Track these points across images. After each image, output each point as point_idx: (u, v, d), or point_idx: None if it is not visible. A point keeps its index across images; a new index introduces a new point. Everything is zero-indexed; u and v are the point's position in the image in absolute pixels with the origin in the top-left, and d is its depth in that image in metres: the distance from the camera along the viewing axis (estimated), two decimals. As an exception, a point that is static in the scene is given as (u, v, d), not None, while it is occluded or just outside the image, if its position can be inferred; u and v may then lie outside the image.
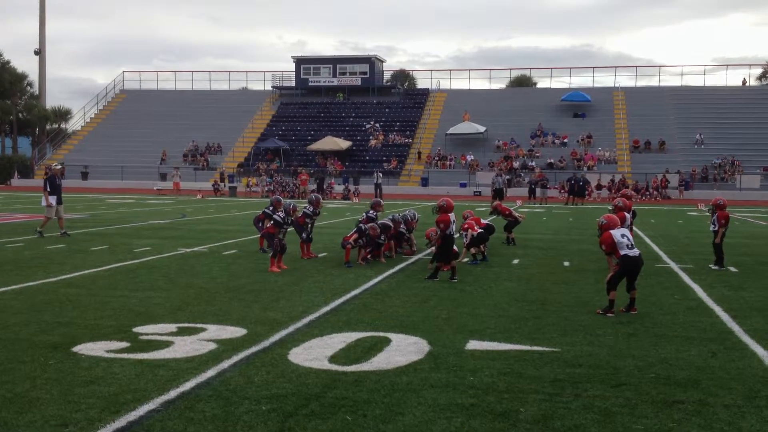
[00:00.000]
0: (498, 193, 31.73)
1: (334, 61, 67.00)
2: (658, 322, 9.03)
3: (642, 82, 66.49)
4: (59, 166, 21.51)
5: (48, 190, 18.85)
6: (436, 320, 8.90)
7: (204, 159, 58.78)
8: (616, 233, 9.55)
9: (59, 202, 18.92)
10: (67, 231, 18.67)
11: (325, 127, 61.16)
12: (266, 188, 47.61)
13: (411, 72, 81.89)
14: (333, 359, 7.01)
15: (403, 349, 7.41)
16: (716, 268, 13.78)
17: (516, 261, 14.70)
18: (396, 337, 7.92)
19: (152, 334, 7.94)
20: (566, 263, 14.57)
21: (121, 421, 5.25)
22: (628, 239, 9.55)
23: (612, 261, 10.04)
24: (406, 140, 59.02)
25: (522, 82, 78.85)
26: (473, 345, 7.67)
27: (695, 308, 9.98)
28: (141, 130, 62.87)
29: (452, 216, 12.10)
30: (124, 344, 7.46)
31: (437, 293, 10.86)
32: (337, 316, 9.11)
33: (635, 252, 9.49)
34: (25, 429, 5.08)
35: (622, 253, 9.41)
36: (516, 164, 53.77)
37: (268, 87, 68.76)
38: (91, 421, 5.25)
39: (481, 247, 14.54)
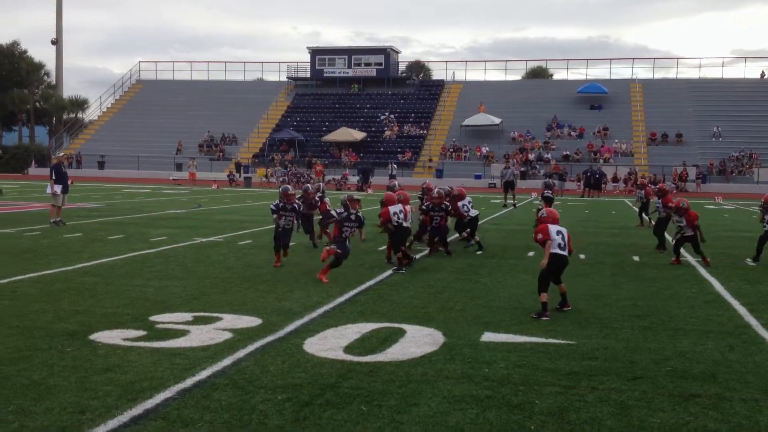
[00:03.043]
0: (509, 186, 31.61)
1: (349, 52, 66.91)
2: (674, 315, 8.98)
3: (659, 74, 65.94)
4: (62, 154, 21.60)
5: (54, 178, 18.75)
6: (451, 312, 8.89)
7: (219, 149, 58.97)
8: (553, 229, 9.16)
9: (65, 190, 18.82)
10: (64, 221, 18.57)
11: (339, 118, 61.15)
12: (281, 179, 47.71)
13: (426, 63, 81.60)
14: (348, 350, 7.02)
15: (418, 341, 7.41)
16: (751, 261, 13.64)
17: (531, 253, 14.65)
18: (411, 329, 7.92)
19: (168, 322, 7.98)
20: (582, 256, 14.50)
21: (138, 409, 5.28)
22: (563, 239, 9.16)
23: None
24: (421, 131, 58.91)
25: (538, 74, 78.46)
26: (488, 337, 7.65)
27: (712, 302, 9.91)
28: (157, 121, 63.12)
29: (395, 207, 12.17)
30: (141, 333, 7.51)
31: (452, 285, 10.84)
32: (351, 306, 9.12)
33: (565, 252, 9.15)
34: (43, 416, 5.12)
35: (553, 251, 9.01)
36: (531, 156, 53.56)
37: (283, 78, 68.82)
38: (108, 408, 5.29)
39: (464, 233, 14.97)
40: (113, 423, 5.01)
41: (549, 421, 5.25)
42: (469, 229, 15.02)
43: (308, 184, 14.82)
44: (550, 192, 21.78)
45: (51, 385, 5.78)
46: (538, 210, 9.89)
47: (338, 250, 10.78)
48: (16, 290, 9.66)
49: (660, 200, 15.46)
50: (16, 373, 6.07)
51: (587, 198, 39.22)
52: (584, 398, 5.76)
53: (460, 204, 14.89)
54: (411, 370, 6.40)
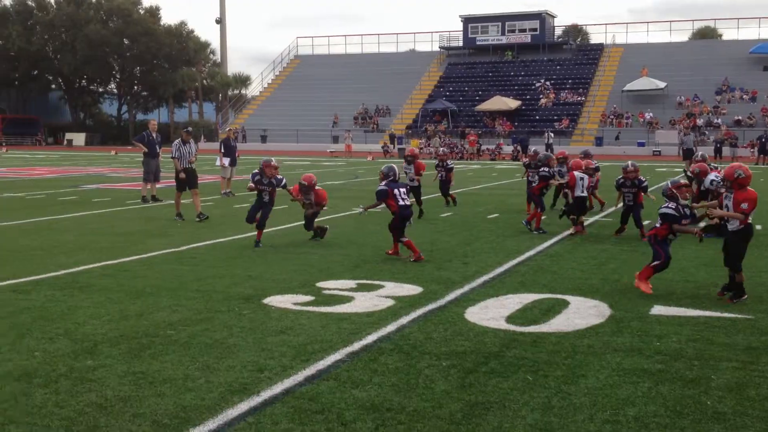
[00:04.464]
0: (688, 153, 30.19)
1: (503, 19, 65.65)
2: None
3: None
4: (230, 129, 22.85)
5: (222, 151, 19.98)
6: (617, 284, 8.62)
7: (373, 121, 59.98)
8: None
9: (233, 163, 19.89)
10: (233, 192, 19.54)
11: (493, 86, 60.37)
12: (440, 149, 47.86)
13: (584, 27, 78.56)
14: (510, 319, 7.00)
15: (583, 312, 7.26)
16: None
17: (702, 224, 13.85)
18: (574, 300, 7.77)
19: (334, 289, 8.28)
20: (758, 227, 13.56)
21: (311, 369, 5.54)
22: None
23: (693, 228, 8.33)
24: (579, 98, 57.05)
25: (705, 34, 73.61)
26: (658, 310, 7.36)
27: None
28: (314, 95, 65.02)
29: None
30: (309, 298, 7.84)
31: (616, 256, 10.51)
32: (511, 277, 9.06)
33: None
34: (226, 373, 5.48)
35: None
36: (700, 122, 50.53)
37: (435, 48, 68.69)
38: (284, 368, 5.58)
39: None
40: (289, 382, 5.28)
41: (727, 397, 5.01)
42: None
43: (271, 157, 12.50)
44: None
45: (231, 345, 6.17)
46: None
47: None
48: (195, 257, 10.36)
49: None
50: (200, 332, 6.53)
51: (761, 165, 36.62)
52: (765, 374, 5.44)
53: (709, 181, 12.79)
54: (576, 341, 6.29)
